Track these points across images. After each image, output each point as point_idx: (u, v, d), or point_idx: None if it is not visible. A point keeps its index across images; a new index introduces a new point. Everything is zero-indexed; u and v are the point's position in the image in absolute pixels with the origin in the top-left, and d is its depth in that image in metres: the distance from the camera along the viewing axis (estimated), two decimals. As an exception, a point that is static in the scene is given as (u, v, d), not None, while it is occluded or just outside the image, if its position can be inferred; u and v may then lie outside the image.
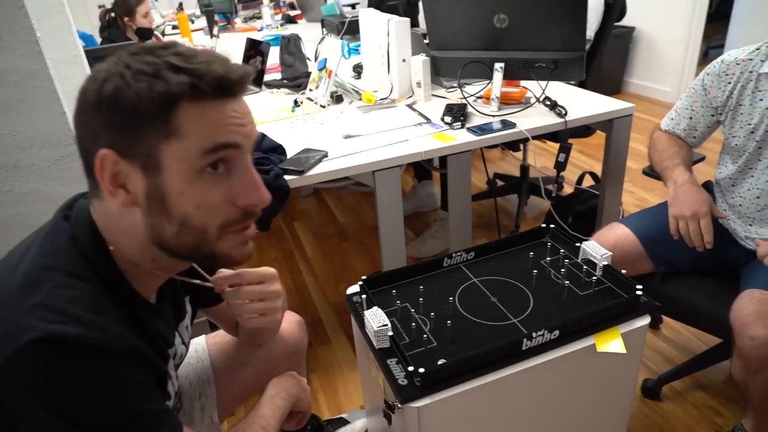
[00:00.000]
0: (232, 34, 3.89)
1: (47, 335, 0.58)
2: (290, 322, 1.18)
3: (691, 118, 1.41)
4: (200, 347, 1.14)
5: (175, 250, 0.67)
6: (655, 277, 1.40)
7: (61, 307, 0.61)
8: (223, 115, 0.63)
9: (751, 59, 1.25)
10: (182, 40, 3.32)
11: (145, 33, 3.19)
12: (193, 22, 4.50)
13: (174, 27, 4.17)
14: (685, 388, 1.64)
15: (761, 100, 1.25)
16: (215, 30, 3.50)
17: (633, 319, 0.99)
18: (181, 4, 3.63)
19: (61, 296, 0.62)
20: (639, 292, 0.99)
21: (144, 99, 0.60)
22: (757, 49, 1.26)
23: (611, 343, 0.96)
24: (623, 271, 1.05)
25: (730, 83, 1.30)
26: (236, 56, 2.56)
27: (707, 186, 1.48)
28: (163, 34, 3.94)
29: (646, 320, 1.00)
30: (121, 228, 0.67)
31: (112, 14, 3.21)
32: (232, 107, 0.65)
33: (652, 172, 1.51)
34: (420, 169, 2.73)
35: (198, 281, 0.85)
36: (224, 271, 0.86)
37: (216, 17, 3.87)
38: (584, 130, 2.09)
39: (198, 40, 3.60)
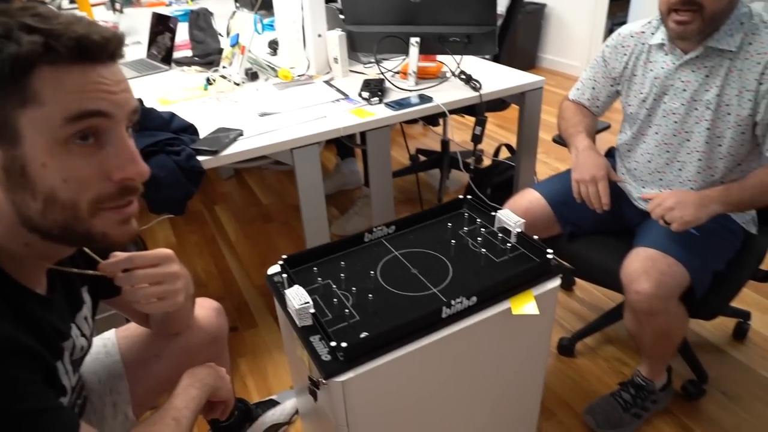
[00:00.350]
0: (138, 9, 3.65)
1: None
2: (208, 309, 1.15)
3: (593, 88, 1.49)
4: (109, 342, 1.08)
5: (44, 229, 0.62)
6: (563, 237, 1.49)
7: None
8: (86, 80, 0.59)
9: (643, 32, 1.33)
10: (80, 15, 3.08)
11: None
12: (93, -4, 4.18)
13: (71, 1, 3.85)
14: (596, 344, 1.76)
15: (651, 70, 1.34)
16: (118, 4, 3.27)
17: (545, 282, 1.04)
18: (77, -24, 3.35)
19: None
20: (550, 256, 1.04)
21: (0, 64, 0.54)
22: (649, 22, 1.35)
23: (525, 305, 1.01)
24: (535, 237, 1.10)
25: (625, 54, 1.39)
26: (143, 32, 2.41)
27: (610, 152, 1.58)
28: (59, 8, 3.64)
29: (556, 282, 1.05)
30: None
31: None
32: (99, 73, 0.60)
33: (560, 140, 1.59)
34: (343, 146, 2.71)
35: (89, 271, 0.78)
36: (116, 255, 0.79)
37: (119, -10, 3.62)
38: (500, 103, 2.14)
39: (99, 15, 3.35)
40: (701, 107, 1.26)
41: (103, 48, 0.60)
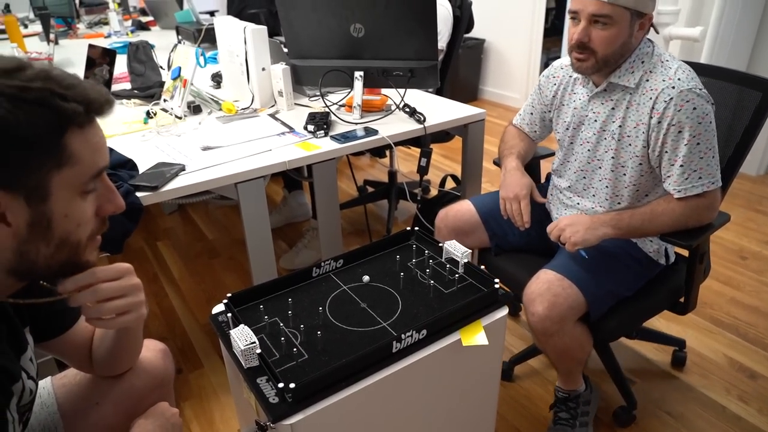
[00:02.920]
0: (74, 41, 3.55)
1: None
2: (153, 350, 1.09)
3: (531, 113, 1.59)
4: (45, 391, 1.01)
5: (42, 269, 0.67)
6: (490, 251, 1.57)
7: None
8: (99, 138, 0.66)
9: (570, 65, 1.40)
10: (11, 46, 2.96)
11: None
12: (26, 26, 4.03)
13: (1, 31, 3.70)
14: (543, 367, 1.79)
15: (573, 101, 1.43)
16: (53, 35, 3.16)
17: (493, 312, 1.05)
18: (7, 6, 3.22)
19: None
20: (497, 286, 1.06)
21: (38, 130, 0.59)
22: None
23: (475, 336, 1.01)
24: (467, 249, 1.11)
25: (555, 84, 1.49)
26: (79, 65, 2.33)
27: (548, 176, 1.65)
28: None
29: (504, 311, 1.06)
30: None
31: None
32: (99, 130, 0.67)
33: (498, 163, 1.65)
34: (290, 179, 2.69)
35: (47, 299, 0.76)
36: (74, 276, 0.76)
37: (54, 22, 3.50)
38: (444, 135, 2.20)
39: (32, 46, 3.23)
40: (608, 137, 1.35)
41: (109, 108, 0.67)
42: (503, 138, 1.64)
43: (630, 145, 1.31)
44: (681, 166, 1.24)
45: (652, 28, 1.29)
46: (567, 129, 1.45)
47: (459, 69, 4.49)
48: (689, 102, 1.21)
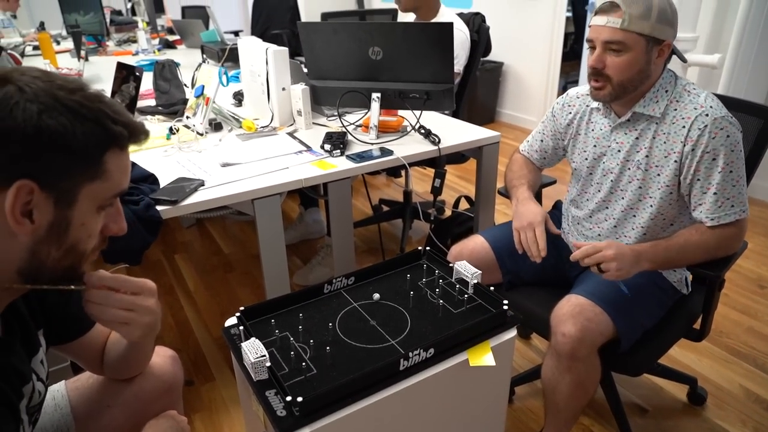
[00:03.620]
0: (103, 58, 3.67)
1: None
2: (162, 356, 1.12)
3: (541, 141, 1.58)
4: (59, 394, 1.04)
5: (49, 272, 0.70)
6: (503, 286, 1.54)
7: None
8: (128, 163, 0.72)
9: (587, 94, 1.41)
10: (44, 62, 3.07)
11: None
12: (58, 43, 4.18)
13: (35, 48, 3.84)
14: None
15: (593, 130, 1.43)
16: (83, 52, 3.27)
17: (501, 333, 1.06)
18: (42, 24, 3.35)
19: None
20: (505, 307, 1.06)
21: (89, 143, 0.65)
22: None
23: (483, 357, 1.02)
24: (491, 288, 1.12)
25: (570, 113, 1.48)
26: (107, 81, 2.41)
27: (556, 205, 1.65)
28: (23, 54, 3.61)
29: (512, 333, 1.07)
30: None
31: None
32: (128, 155, 0.73)
33: (505, 192, 1.66)
34: (306, 196, 2.73)
35: (63, 286, 0.77)
36: (101, 272, 0.82)
37: (84, 39, 3.64)
38: (459, 156, 2.22)
39: (64, 62, 3.35)
40: (633, 167, 1.34)
41: (145, 138, 0.73)
42: (510, 167, 1.62)
43: (659, 174, 1.30)
44: (714, 194, 1.23)
45: (676, 56, 1.29)
46: (586, 159, 1.44)
47: (477, 91, 4.53)
48: (723, 129, 1.21)
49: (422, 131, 1.80)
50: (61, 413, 1.01)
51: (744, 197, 1.25)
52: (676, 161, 1.27)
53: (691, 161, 1.24)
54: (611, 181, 1.39)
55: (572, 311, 1.24)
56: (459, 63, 2.28)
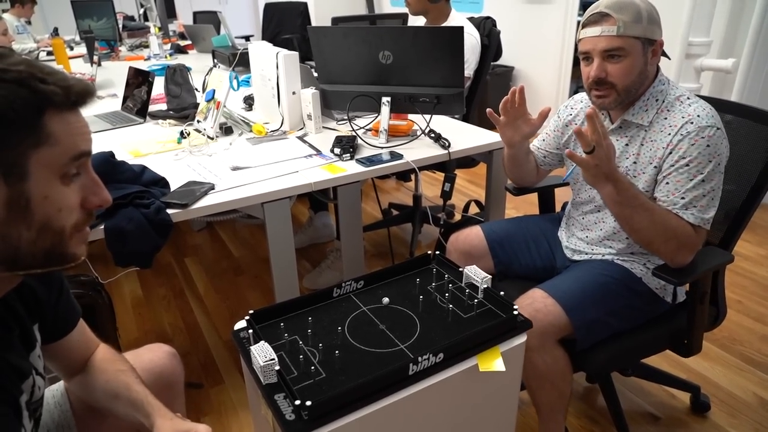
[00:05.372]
0: (115, 63, 3.71)
1: None
2: (159, 352, 1.12)
3: (543, 139, 1.59)
4: (58, 393, 1.04)
5: (28, 257, 0.67)
6: (494, 277, 1.55)
7: None
8: (79, 124, 0.68)
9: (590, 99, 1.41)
10: (58, 67, 3.10)
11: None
12: (72, 48, 4.24)
13: (49, 53, 3.89)
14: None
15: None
16: (96, 57, 3.31)
17: (511, 338, 1.05)
18: (56, 29, 3.40)
19: None
20: (516, 312, 1.06)
21: (16, 107, 0.61)
22: None
23: (492, 362, 1.01)
24: (501, 294, 1.12)
25: (571, 114, 1.50)
26: (119, 85, 2.44)
27: (564, 206, 1.64)
28: (37, 59, 3.67)
29: (523, 338, 1.06)
30: None
31: None
32: (80, 118, 0.69)
33: (511, 188, 1.67)
34: (316, 200, 2.73)
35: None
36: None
37: (97, 44, 3.68)
38: (469, 161, 2.21)
39: (77, 67, 3.39)
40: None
41: (89, 97, 0.70)
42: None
43: (645, 181, 1.30)
44: (684, 199, 1.21)
45: (664, 57, 1.29)
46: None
47: (487, 95, 4.51)
48: (704, 138, 1.19)
49: (432, 135, 1.80)
50: (61, 410, 1.02)
51: (709, 210, 1.21)
52: (655, 167, 1.27)
53: (667, 163, 1.24)
54: None
55: (524, 302, 1.28)
56: (469, 67, 2.27)
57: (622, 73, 1.24)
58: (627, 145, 1.33)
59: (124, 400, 0.95)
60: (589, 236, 1.46)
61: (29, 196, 0.64)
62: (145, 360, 1.08)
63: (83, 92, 0.68)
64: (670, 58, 1.34)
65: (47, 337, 0.92)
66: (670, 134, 1.24)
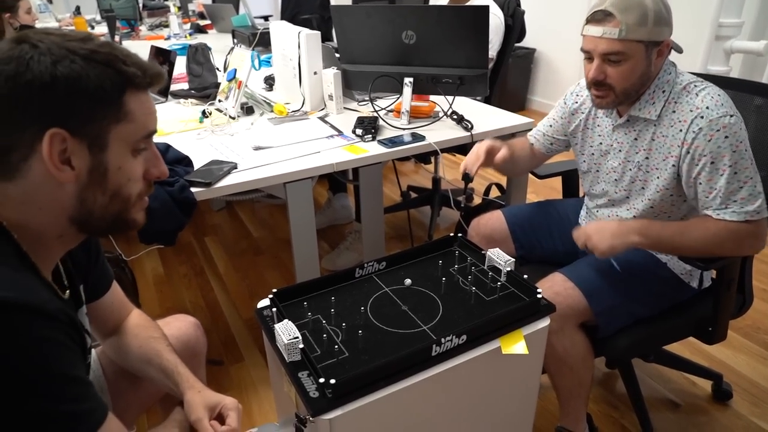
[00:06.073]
0: (136, 42, 3.72)
1: None
2: (185, 322, 1.17)
3: (551, 125, 1.52)
4: (91, 358, 1.06)
5: (98, 219, 0.74)
6: (517, 260, 1.53)
7: None
8: (150, 104, 0.75)
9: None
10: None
11: None
12: (93, 27, 4.25)
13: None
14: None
15: (598, 126, 1.39)
16: (117, 37, 3.32)
17: (535, 321, 1.04)
18: (78, 8, 3.41)
19: None
20: (539, 296, 1.05)
21: (105, 85, 0.68)
22: None
23: (515, 345, 1.01)
24: (524, 277, 1.11)
25: (577, 102, 1.44)
26: (140, 64, 2.44)
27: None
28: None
29: (546, 322, 1.05)
30: (39, 204, 0.70)
31: None
32: (151, 98, 0.76)
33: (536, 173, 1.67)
34: (334, 181, 2.73)
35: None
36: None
37: (118, 24, 3.69)
38: (490, 143, 2.18)
39: (98, 46, 3.40)
40: (634, 168, 1.30)
41: (162, 79, 0.76)
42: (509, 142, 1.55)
43: (658, 177, 1.26)
44: (720, 197, 1.17)
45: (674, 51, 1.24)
46: (593, 155, 1.41)
47: (508, 78, 4.45)
48: (720, 131, 1.14)
49: (455, 117, 1.78)
50: (95, 375, 1.05)
51: (757, 198, 1.16)
52: (674, 165, 1.22)
53: (690, 166, 1.19)
54: (615, 180, 1.36)
55: (543, 285, 1.27)
56: (493, 48, 2.24)
57: (622, 77, 1.19)
58: (636, 139, 1.29)
59: (156, 366, 1.00)
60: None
61: (107, 165, 0.71)
62: (173, 328, 1.12)
63: (157, 75, 0.75)
64: (681, 51, 1.28)
65: (93, 294, 0.98)
66: (681, 130, 1.19)
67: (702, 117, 1.16)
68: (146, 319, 1.09)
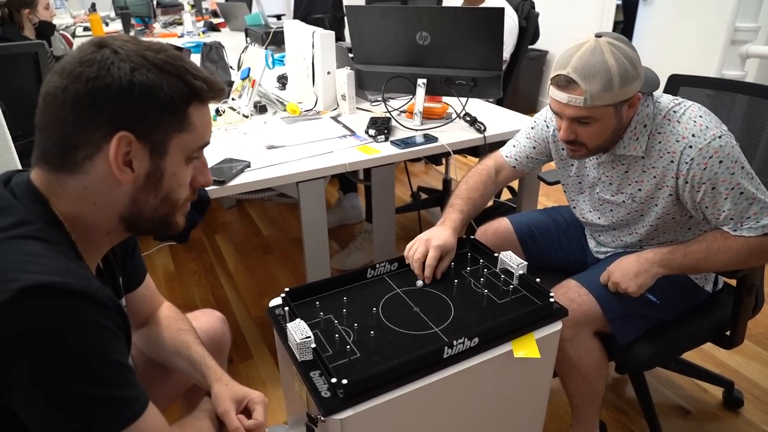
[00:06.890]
0: (150, 39, 3.74)
1: (34, 284, 0.61)
2: (213, 316, 1.19)
3: (534, 147, 1.45)
4: None
5: (146, 219, 0.77)
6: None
7: (45, 263, 0.65)
8: (209, 117, 0.78)
9: None
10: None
11: (47, 27, 2.98)
12: (107, 24, 4.29)
13: (86, 29, 3.95)
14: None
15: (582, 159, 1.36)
16: (132, 33, 3.34)
17: (547, 325, 1.04)
18: (93, 5, 3.44)
19: (43, 255, 0.66)
20: (551, 299, 1.05)
21: (174, 96, 0.71)
22: None
23: (528, 348, 1.00)
24: (537, 279, 1.11)
25: (549, 127, 1.41)
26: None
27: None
28: (74, 35, 3.72)
29: (558, 326, 1.05)
30: (94, 200, 0.73)
31: (6, 9, 2.93)
32: (209, 112, 0.79)
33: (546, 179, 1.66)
34: (345, 181, 2.74)
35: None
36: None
37: (133, 21, 3.71)
38: (502, 145, 2.17)
39: (112, 43, 3.43)
40: (628, 200, 1.29)
41: (223, 95, 0.80)
42: (468, 179, 1.44)
43: (656, 206, 1.25)
44: (731, 218, 1.16)
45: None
46: (580, 184, 1.40)
47: (519, 80, 4.43)
48: (712, 157, 1.12)
49: (468, 119, 1.78)
50: None
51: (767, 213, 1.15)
52: (670, 194, 1.21)
53: (692, 194, 1.17)
54: (611, 210, 1.35)
55: (557, 291, 1.26)
56: (506, 50, 2.23)
57: (592, 135, 1.18)
58: (626, 172, 1.27)
59: (185, 357, 1.01)
60: (615, 241, 1.42)
61: (164, 171, 0.74)
62: (201, 322, 1.14)
63: (220, 91, 0.78)
64: (657, 88, 1.21)
65: (130, 286, 1.01)
66: (673, 161, 1.17)
67: (691, 147, 1.14)
68: (176, 312, 1.11)
